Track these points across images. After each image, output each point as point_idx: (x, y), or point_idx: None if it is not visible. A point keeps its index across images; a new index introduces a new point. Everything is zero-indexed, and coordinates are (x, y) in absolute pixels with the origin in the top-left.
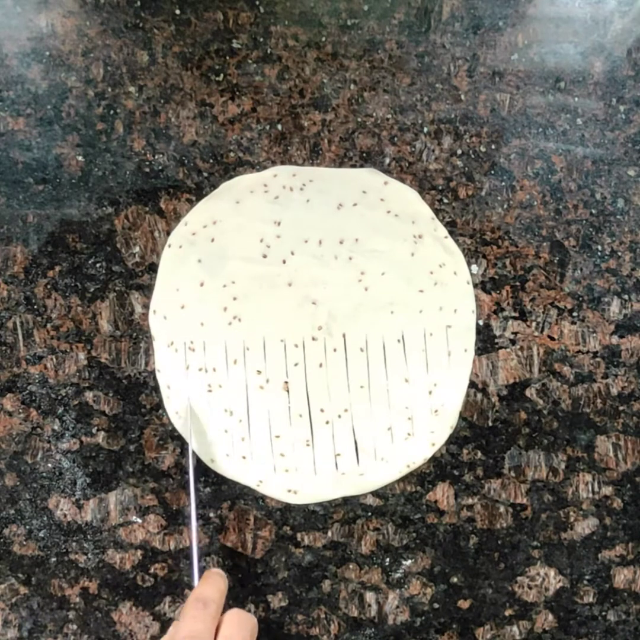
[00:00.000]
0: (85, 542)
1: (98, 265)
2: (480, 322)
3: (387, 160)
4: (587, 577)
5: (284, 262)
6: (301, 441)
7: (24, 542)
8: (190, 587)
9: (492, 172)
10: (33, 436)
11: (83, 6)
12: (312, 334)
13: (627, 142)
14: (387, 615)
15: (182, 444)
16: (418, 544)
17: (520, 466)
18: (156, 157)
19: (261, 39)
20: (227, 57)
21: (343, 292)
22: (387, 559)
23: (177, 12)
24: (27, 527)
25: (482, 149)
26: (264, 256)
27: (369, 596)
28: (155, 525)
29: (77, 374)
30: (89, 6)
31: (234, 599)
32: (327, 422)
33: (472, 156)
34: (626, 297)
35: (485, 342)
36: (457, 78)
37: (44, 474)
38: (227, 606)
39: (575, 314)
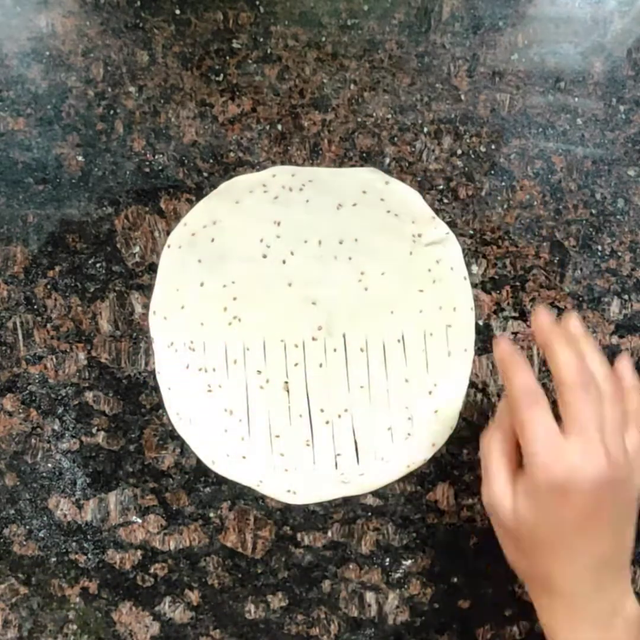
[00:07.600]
0: (85, 542)
1: (98, 265)
2: (480, 322)
3: (387, 160)
4: None
5: (284, 262)
6: (301, 441)
7: (24, 542)
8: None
9: (492, 172)
10: (33, 436)
11: (83, 6)
12: (312, 334)
13: (627, 142)
14: (387, 615)
15: (182, 444)
16: (418, 544)
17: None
18: (156, 157)
19: (261, 39)
20: (227, 57)
21: (343, 292)
22: (387, 559)
23: (177, 12)
24: (27, 527)
25: (482, 149)
26: (264, 256)
27: (369, 596)
28: (155, 525)
29: (77, 374)
30: (89, 6)
31: (234, 599)
32: (327, 422)
33: (472, 156)
34: (626, 297)
35: (485, 342)
36: (457, 78)
37: (44, 474)
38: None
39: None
